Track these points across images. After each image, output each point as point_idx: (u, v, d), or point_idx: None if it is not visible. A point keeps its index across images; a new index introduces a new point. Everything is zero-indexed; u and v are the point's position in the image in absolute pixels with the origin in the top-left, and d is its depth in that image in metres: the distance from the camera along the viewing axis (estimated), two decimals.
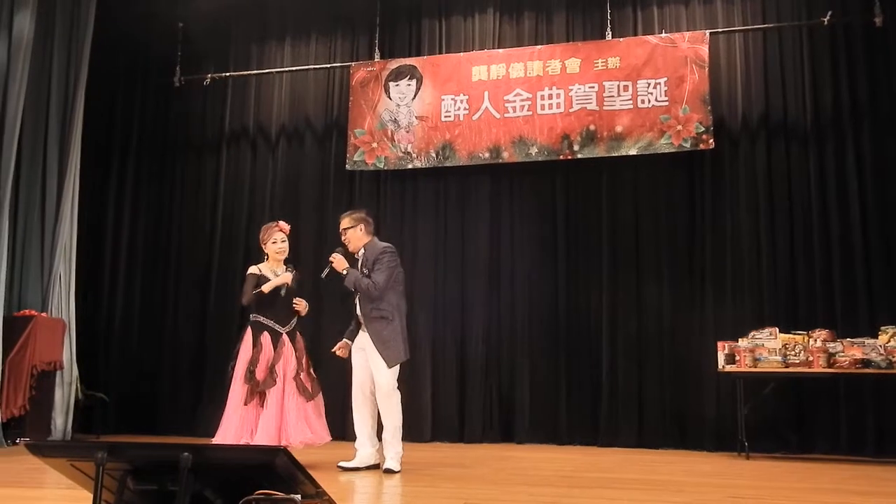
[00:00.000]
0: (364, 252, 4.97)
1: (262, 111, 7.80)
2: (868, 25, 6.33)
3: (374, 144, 7.26)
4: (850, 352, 5.52)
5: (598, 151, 6.75)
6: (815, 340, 5.66)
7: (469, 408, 6.82)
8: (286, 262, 5.19)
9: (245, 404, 4.77)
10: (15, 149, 6.34)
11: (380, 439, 4.88)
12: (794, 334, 5.77)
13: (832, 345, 5.60)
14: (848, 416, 6.00)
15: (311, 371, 5.08)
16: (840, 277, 6.22)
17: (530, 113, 6.94)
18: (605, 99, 6.79)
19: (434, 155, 7.12)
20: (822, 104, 6.48)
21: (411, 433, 6.16)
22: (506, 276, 7.01)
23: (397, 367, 4.81)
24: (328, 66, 7.64)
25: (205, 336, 7.45)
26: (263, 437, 4.63)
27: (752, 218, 6.51)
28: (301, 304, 5.07)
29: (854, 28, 6.47)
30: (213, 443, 4.42)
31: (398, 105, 7.26)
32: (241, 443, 4.55)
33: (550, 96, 6.93)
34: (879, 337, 5.57)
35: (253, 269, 5.07)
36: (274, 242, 5.09)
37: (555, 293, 6.86)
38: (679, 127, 6.58)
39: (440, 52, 7.39)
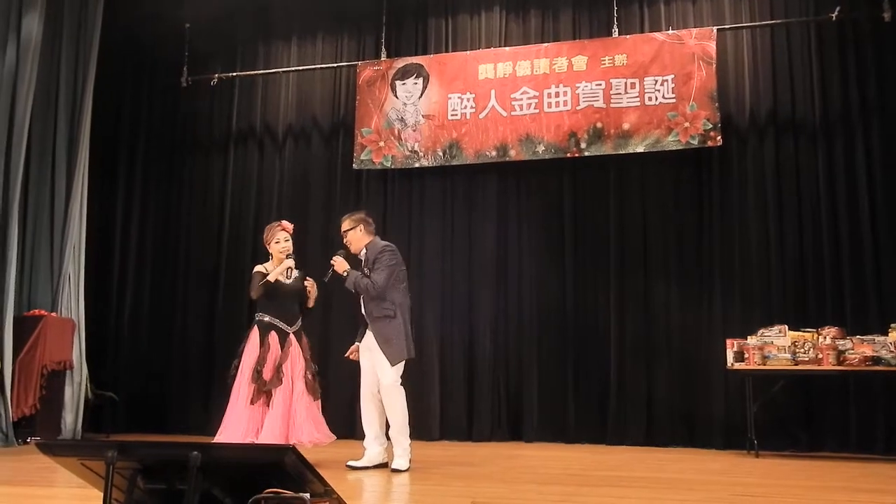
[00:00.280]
0: (366, 252, 4.98)
1: (269, 111, 7.82)
2: (876, 21, 6.29)
3: (381, 143, 7.27)
4: (859, 349, 5.50)
5: (606, 149, 6.74)
6: (825, 338, 5.64)
7: (477, 406, 6.82)
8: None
9: (252, 403, 4.77)
10: (24, 150, 6.38)
11: (388, 437, 4.88)
12: (804, 332, 5.75)
13: (842, 342, 5.57)
14: (858, 414, 5.97)
15: (316, 371, 5.10)
16: (849, 274, 6.19)
17: (537, 111, 6.93)
18: (612, 96, 6.78)
19: (441, 153, 7.12)
20: (831, 100, 6.46)
21: (420, 432, 6.19)
22: (513, 274, 7.01)
23: (401, 364, 4.82)
24: (335, 65, 7.66)
25: (213, 335, 7.48)
26: (269, 437, 4.63)
27: (761, 215, 6.49)
28: (310, 283, 5.10)
29: (862, 23, 6.43)
30: (214, 441, 4.42)
31: (405, 104, 7.27)
32: (245, 442, 4.55)
33: (557, 94, 6.92)
34: (889, 334, 5.53)
35: (259, 268, 5.09)
36: (277, 242, 5.11)
37: (562, 291, 6.86)
38: (686, 124, 6.56)
39: (447, 51, 7.39)
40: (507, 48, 7.20)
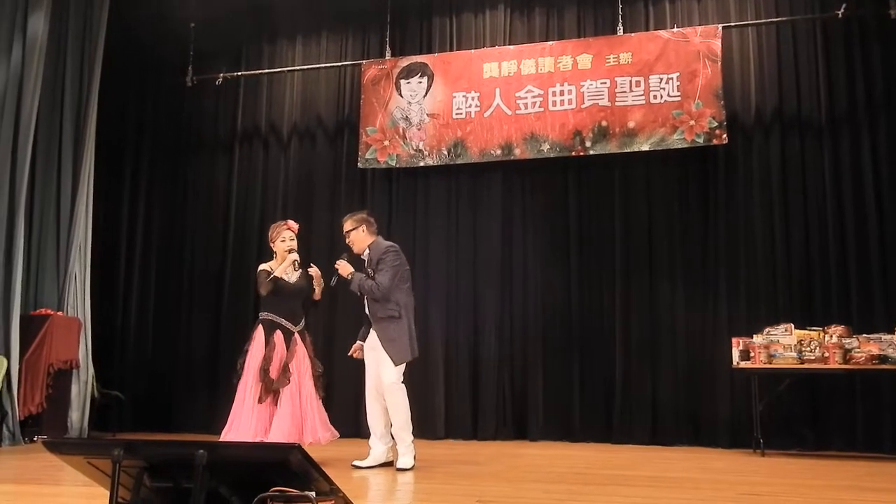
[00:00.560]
0: (369, 252, 4.98)
1: (274, 110, 7.83)
2: (882, 18, 6.26)
3: (386, 142, 7.27)
4: (866, 348, 5.48)
5: (611, 147, 6.73)
6: (831, 336, 5.62)
7: (482, 405, 6.82)
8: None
9: (259, 402, 4.77)
10: (30, 150, 6.40)
11: (392, 437, 4.89)
12: (810, 330, 5.74)
13: (848, 341, 5.55)
14: (864, 413, 5.95)
15: (320, 370, 5.11)
16: (856, 273, 6.17)
17: (542, 109, 6.92)
18: (617, 94, 6.77)
19: (446, 152, 7.12)
20: (837, 97, 6.44)
21: (425, 431, 6.21)
22: (518, 273, 7.00)
23: (403, 363, 4.82)
24: (339, 64, 7.66)
25: (219, 334, 7.50)
26: (279, 437, 4.63)
27: (766, 213, 6.48)
28: (315, 269, 5.10)
29: (868, 21, 6.41)
30: (220, 440, 4.44)
31: (409, 103, 7.27)
32: (255, 441, 4.56)
33: (562, 92, 6.91)
34: None
35: (263, 266, 5.10)
36: (283, 241, 5.11)
37: (567, 290, 6.85)
38: (692, 122, 6.54)
39: (451, 50, 7.39)
40: (511, 47, 7.19)
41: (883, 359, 5.42)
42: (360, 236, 5.00)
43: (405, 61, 7.36)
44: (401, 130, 7.25)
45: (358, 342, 5.04)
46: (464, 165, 7.13)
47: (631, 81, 6.76)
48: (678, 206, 6.72)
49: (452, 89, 7.18)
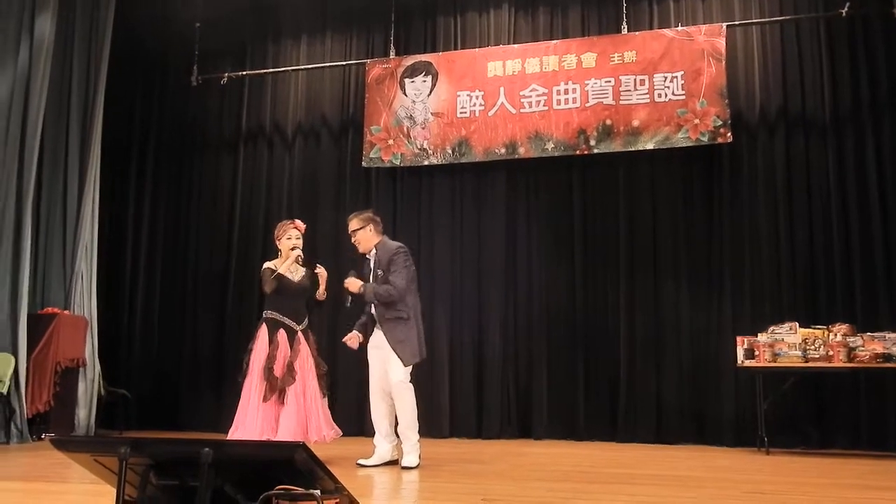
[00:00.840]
0: (376, 252, 4.95)
1: (279, 109, 7.85)
2: (886, 17, 6.24)
3: (390, 141, 7.28)
4: (870, 346, 5.47)
5: (615, 146, 6.72)
6: (835, 335, 5.61)
7: (487, 404, 6.82)
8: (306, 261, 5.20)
9: (264, 401, 4.77)
10: (37, 150, 6.43)
11: (397, 435, 4.88)
12: (814, 329, 5.73)
13: (852, 339, 5.55)
14: (869, 411, 5.95)
15: (323, 369, 5.09)
16: (860, 271, 6.16)
17: (546, 108, 6.92)
18: (622, 93, 6.76)
19: (450, 151, 7.12)
20: (841, 96, 6.43)
21: (430, 429, 6.21)
22: (522, 272, 7.00)
23: (412, 364, 4.82)
24: (343, 63, 7.67)
25: (224, 333, 7.51)
26: (286, 435, 4.64)
27: (771, 212, 6.47)
28: (322, 269, 5.07)
29: (872, 19, 6.40)
30: (226, 438, 4.45)
31: (414, 101, 7.27)
32: (265, 439, 4.56)
33: (566, 91, 6.90)
34: None
35: (268, 264, 5.09)
36: (288, 238, 5.09)
37: (571, 289, 6.85)
38: (696, 121, 6.53)
39: (455, 48, 7.39)
40: (515, 45, 7.19)
41: (887, 357, 5.41)
42: (366, 235, 4.97)
43: (409, 60, 7.36)
44: (405, 129, 7.26)
45: (354, 332, 4.96)
46: (468, 164, 7.12)
47: (635, 80, 6.76)
48: (682, 205, 6.72)
49: (457, 88, 7.18)
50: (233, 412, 4.90)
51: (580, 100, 6.86)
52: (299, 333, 4.98)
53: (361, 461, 4.80)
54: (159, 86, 8.17)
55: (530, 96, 6.99)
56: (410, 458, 4.70)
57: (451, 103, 7.18)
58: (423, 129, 7.21)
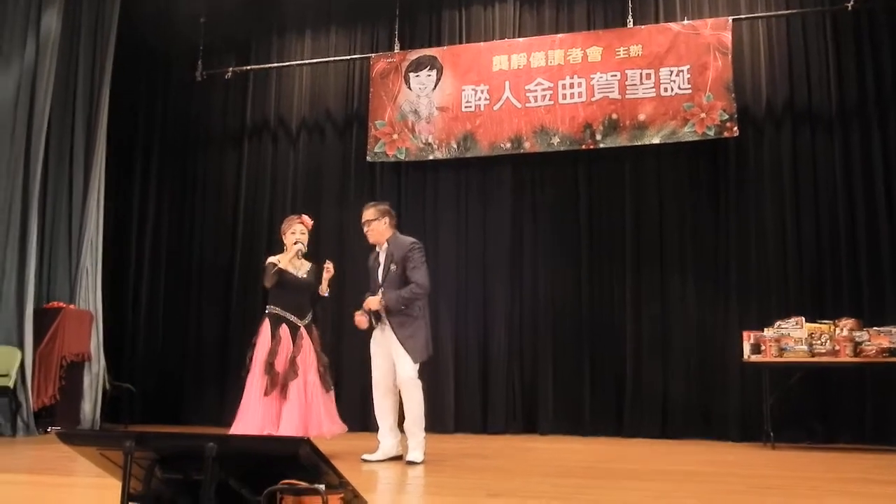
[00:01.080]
0: (388, 246, 4.92)
1: (283, 104, 7.86)
2: (893, 10, 6.22)
3: (395, 136, 7.27)
4: (876, 341, 5.44)
5: (621, 140, 6.71)
6: (842, 329, 5.58)
7: (492, 399, 6.83)
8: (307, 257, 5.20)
9: (265, 395, 4.77)
10: (43, 144, 6.46)
11: (401, 430, 4.88)
12: (821, 323, 5.71)
13: (858, 334, 5.52)
14: (874, 406, 5.93)
15: (326, 364, 5.10)
16: (866, 265, 6.15)
17: (552, 102, 6.91)
18: (628, 87, 6.75)
19: (455, 146, 7.12)
20: (847, 90, 6.40)
21: (434, 425, 6.20)
22: (528, 267, 7.00)
23: (420, 361, 4.80)
24: (348, 57, 7.66)
25: (229, 327, 7.53)
26: (289, 430, 4.64)
27: (777, 206, 6.45)
28: (331, 266, 5.03)
29: (878, 13, 6.37)
30: (230, 433, 4.45)
31: (419, 96, 7.27)
32: (266, 433, 4.57)
33: (572, 85, 6.90)
34: None
35: (271, 259, 5.08)
36: (293, 233, 5.08)
37: (577, 284, 6.84)
38: (703, 115, 6.53)
39: (460, 42, 7.38)
40: (521, 39, 7.17)
41: (893, 352, 5.38)
42: (380, 228, 4.95)
43: (414, 54, 7.35)
44: (410, 124, 7.25)
45: (365, 315, 4.88)
46: (473, 159, 7.12)
47: (641, 74, 6.74)
48: (689, 200, 6.70)
49: (462, 82, 7.17)
50: (237, 407, 4.90)
51: (586, 94, 6.84)
52: (302, 329, 4.98)
53: (366, 456, 4.80)
54: (164, 81, 8.19)
55: (536, 90, 6.98)
56: (416, 454, 4.69)
57: (456, 97, 7.17)
58: (428, 123, 7.21)
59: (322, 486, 2.06)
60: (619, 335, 6.66)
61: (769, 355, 5.66)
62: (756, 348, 5.76)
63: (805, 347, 5.59)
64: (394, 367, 4.82)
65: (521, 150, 6.96)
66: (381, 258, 4.95)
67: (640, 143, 6.68)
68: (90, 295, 6.89)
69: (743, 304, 6.37)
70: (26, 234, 6.28)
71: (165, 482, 2.19)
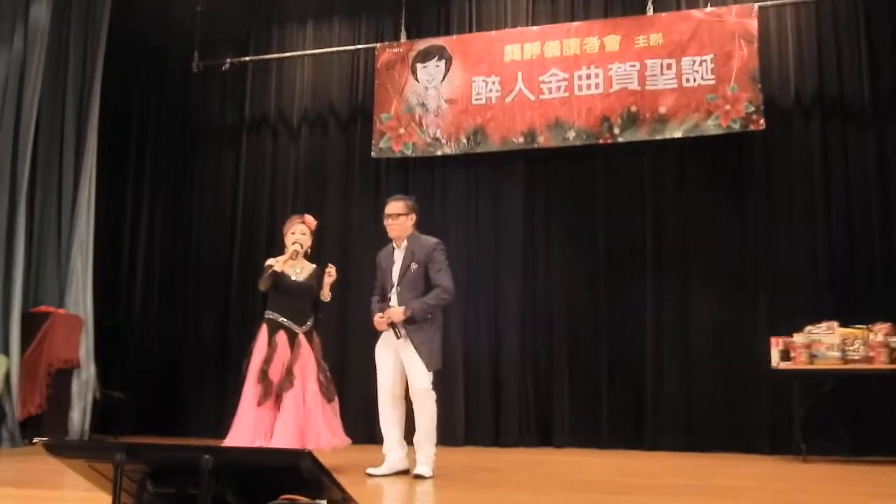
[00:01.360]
0: (407, 244, 4.89)
1: (284, 97, 7.87)
2: None
3: (401, 130, 7.27)
4: None
5: (641, 134, 6.69)
6: (876, 335, 5.54)
7: (504, 410, 6.81)
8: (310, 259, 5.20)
9: (258, 405, 4.77)
10: (32, 140, 6.47)
11: (408, 443, 4.86)
12: (854, 328, 5.66)
13: (894, 339, 5.48)
14: None
15: (328, 373, 5.09)
16: None
17: (567, 94, 6.89)
18: (648, 78, 6.73)
19: (465, 140, 7.11)
20: (882, 79, 6.36)
21: (444, 437, 6.13)
22: (542, 268, 6.99)
23: (434, 369, 4.78)
24: (352, 48, 7.67)
25: (227, 333, 7.53)
26: (282, 442, 4.63)
27: (807, 203, 6.42)
28: (333, 270, 5.01)
29: None
30: (225, 445, 4.48)
31: (426, 88, 7.26)
32: (255, 446, 4.56)
33: (588, 76, 6.87)
34: None
35: (270, 261, 5.07)
36: (293, 234, 5.08)
37: (594, 287, 6.82)
38: (727, 107, 6.49)
39: (470, 31, 7.37)
40: (534, 27, 7.15)
41: None
42: (405, 224, 4.91)
43: (421, 44, 7.34)
44: (417, 117, 7.25)
45: (380, 314, 4.84)
46: (484, 154, 7.12)
47: (662, 64, 6.71)
48: (713, 197, 6.67)
49: (472, 73, 7.16)
50: (234, 418, 4.90)
51: (603, 85, 6.82)
52: (301, 335, 4.97)
53: (371, 470, 4.77)
54: (158, 73, 8.20)
55: (550, 82, 6.96)
56: (424, 468, 4.66)
57: (466, 90, 7.16)
58: (436, 116, 7.21)
59: (324, 502, 2.05)
60: (639, 341, 6.63)
61: (799, 362, 5.63)
62: (785, 355, 5.73)
63: (837, 354, 5.55)
64: (403, 374, 4.79)
65: (535, 145, 6.94)
66: (398, 256, 4.91)
67: (660, 138, 6.66)
68: (80, 298, 6.88)
69: (771, 308, 6.34)
70: (13, 234, 6.28)
71: (158, 496, 2.17)
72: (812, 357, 5.61)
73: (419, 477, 4.61)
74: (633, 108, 6.72)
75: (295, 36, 7.90)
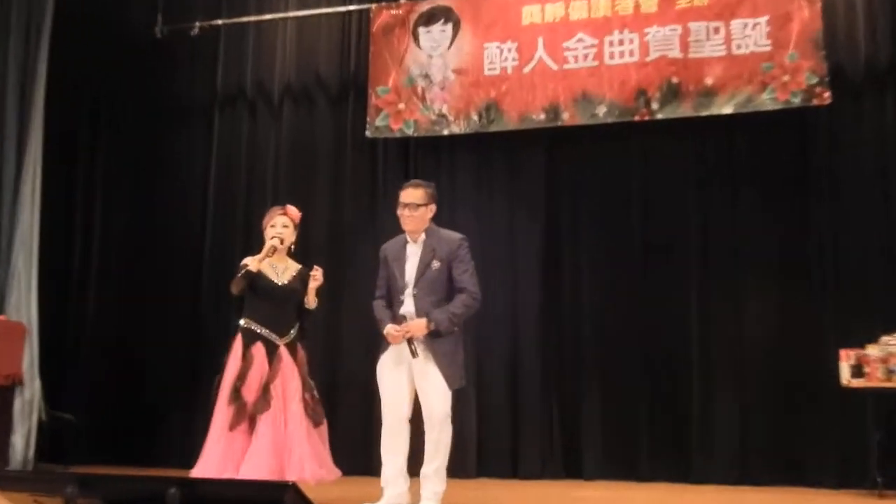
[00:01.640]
0: (426, 238, 4.83)
1: (263, 67, 7.87)
2: None
3: (401, 105, 7.28)
4: None
5: (683, 110, 6.68)
6: None
7: (524, 435, 6.81)
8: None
9: (230, 430, 4.76)
10: None
11: (411, 474, 4.80)
12: None
13: None
14: None
15: (315, 392, 5.08)
16: None
17: (596, 63, 6.89)
18: (691, 44, 6.72)
19: (476, 118, 7.11)
20: None
21: (453, 467, 6.00)
22: (567, 270, 7.00)
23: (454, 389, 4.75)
24: (343, 9, 7.68)
25: (199, 343, 7.49)
26: (253, 472, 4.61)
27: (880, 190, 6.43)
28: (318, 273, 5.01)
29: None
30: (194, 476, 4.48)
31: (430, 56, 7.26)
32: (225, 477, 4.55)
33: (621, 42, 6.87)
34: None
35: (246, 260, 5.07)
36: (273, 226, 5.09)
37: (630, 292, 6.81)
38: (785, 78, 6.48)
39: None
40: None
41: None
42: (426, 215, 4.83)
43: (424, 5, 7.37)
44: (419, 91, 7.26)
45: (391, 325, 4.71)
46: (498, 134, 7.12)
47: (708, 28, 6.71)
48: (769, 185, 6.65)
49: (483, 39, 7.17)
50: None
51: (639, 52, 6.82)
52: (281, 348, 4.97)
53: None
54: (116, 41, 8.15)
55: (576, 48, 6.95)
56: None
57: (477, 58, 7.15)
58: (442, 90, 7.21)
59: None
60: (684, 354, 6.63)
61: (874, 379, 5.66)
62: (857, 370, 5.74)
63: None
64: (413, 394, 4.73)
65: (558, 123, 6.94)
66: (413, 251, 4.85)
67: (706, 114, 6.65)
68: (23, 304, 6.89)
69: (839, 316, 6.33)
70: None
71: None
72: (889, 373, 5.63)
73: None
74: (674, 80, 6.72)
75: None
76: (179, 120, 8.01)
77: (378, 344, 4.91)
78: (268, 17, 7.79)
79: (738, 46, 6.61)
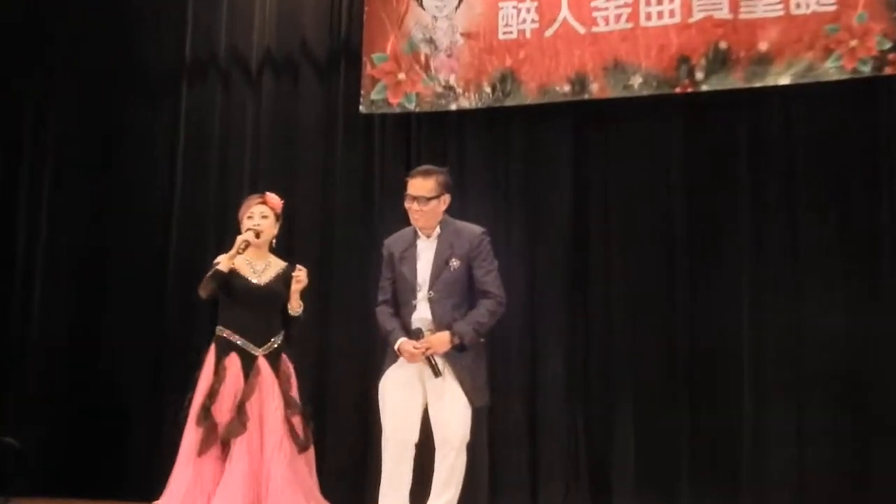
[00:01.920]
0: (441, 233, 4.81)
1: (239, 31, 7.85)
2: None
3: (402, 76, 7.26)
4: None
5: (733, 81, 6.63)
6: None
7: (545, 456, 6.79)
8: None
9: (199, 455, 4.82)
10: None
11: None
12: None
13: None
14: None
15: (303, 412, 5.13)
16: None
17: (630, 25, 6.83)
18: (742, 4, 6.66)
19: (489, 90, 7.08)
20: None
21: (463, 495, 6.07)
22: (596, 268, 6.98)
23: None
24: None
25: (162, 354, 7.50)
26: None
27: None
28: (301, 274, 5.05)
29: None
30: None
31: (435, 17, 7.24)
32: None
33: (660, 1, 6.81)
34: None
35: (219, 258, 5.13)
36: (250, 217, 5.16)
37: (669, 294, 6.77)
38: (853, 42, 6.41)
39: None
40: None
41: None
42: (438, 208, 4.81)
43: None
44: (423, 58, 7.25)
45: (405, 339, 4.69)
46: (515, 109, 7.09)
47: None
48: (834, 166, 6.60)
49: None
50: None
51: (680, 13, 6.75)
52: (260, 359, 5.02)
53: None
54: (66, 2, 8.21)
55: (607, 8, 6.90)
56: None
57: (491, 19, 7.12)
58: (450, 57, 7.19)
59: None
60: (733, 366, 6.56)
61: None
62: None
63: None
64: (425, 414, 4.71)
65: (586, 96, 6.91)
66: (425, 247, 4.82)
67: (760, 84, 6.60)
68: None
69: None
70: None
71: None
72: None
73: None
74: (723, 45, 6.67)
75: None
76: (141, 92, 7.99)
77: (374, 356, 4.90)
78: None
79: (798, 5, 6.52)
